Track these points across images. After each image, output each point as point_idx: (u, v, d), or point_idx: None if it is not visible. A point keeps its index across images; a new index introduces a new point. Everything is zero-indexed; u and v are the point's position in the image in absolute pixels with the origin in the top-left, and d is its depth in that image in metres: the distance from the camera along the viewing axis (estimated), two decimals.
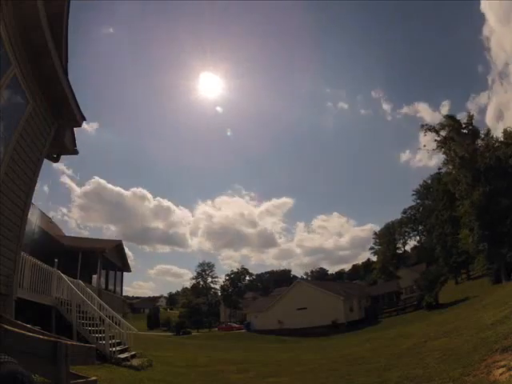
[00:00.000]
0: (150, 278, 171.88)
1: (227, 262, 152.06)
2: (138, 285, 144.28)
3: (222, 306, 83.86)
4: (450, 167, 41.47)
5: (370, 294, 57.56)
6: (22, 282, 9.13)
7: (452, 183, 40.17)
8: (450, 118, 39.45)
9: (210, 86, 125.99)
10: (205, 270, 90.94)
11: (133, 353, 12.16)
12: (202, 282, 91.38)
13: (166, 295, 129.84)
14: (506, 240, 32.98)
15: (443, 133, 39.41)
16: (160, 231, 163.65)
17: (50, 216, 22.92)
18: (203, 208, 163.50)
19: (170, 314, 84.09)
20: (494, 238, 33.74)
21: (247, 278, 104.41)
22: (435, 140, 40.03)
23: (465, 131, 38.50)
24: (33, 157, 7.07)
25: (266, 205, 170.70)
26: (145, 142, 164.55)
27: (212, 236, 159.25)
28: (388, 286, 61.78)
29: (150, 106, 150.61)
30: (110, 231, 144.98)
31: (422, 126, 40.82)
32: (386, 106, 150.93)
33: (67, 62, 7.34)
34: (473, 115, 40.32)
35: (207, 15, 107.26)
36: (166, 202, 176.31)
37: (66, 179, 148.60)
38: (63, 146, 8.36)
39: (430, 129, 40.11)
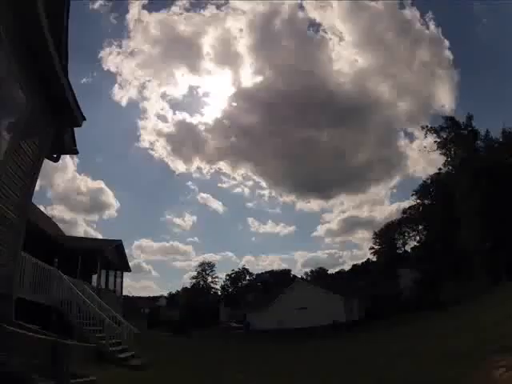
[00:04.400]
0: None
1: None
2: None
3: (221, 306, 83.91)
4: (450, 168, 41.56)
5: (370, 294, 57.53)
6: (22, 282, 9.13)
7: (452, 184, 40.22)
8: (450, 119, 39.69)
9: None
10: (205, 269, 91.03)
11: (133, 352, 12.15)
12: (202, 282, 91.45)
13: (166, 295, 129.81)
14: (506, 240, 32.97)
15: (443, 134, 39.55)
16: None
17: (50, 215, 22.93)
18: None
19: (170, 314, 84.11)
20: (494, 238, 33.74)
21: (247, 277, 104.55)
22: (435, 141, 40.22)
23: (464, 132, 38.63)
24: (33, 156, 7.08)
25: None
26: None
27: None
28: (388, 285, 61.74)
29: None
30: None
31: (423, 127, 41.05)
32: None
33: (67, 61, 7.35)
34: (472, 116, 40.49)
35: None
36: None
37: None
38: (63, 146, 8.38)
39: (431, 130, 40.28)
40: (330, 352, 18.39)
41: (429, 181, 63.83)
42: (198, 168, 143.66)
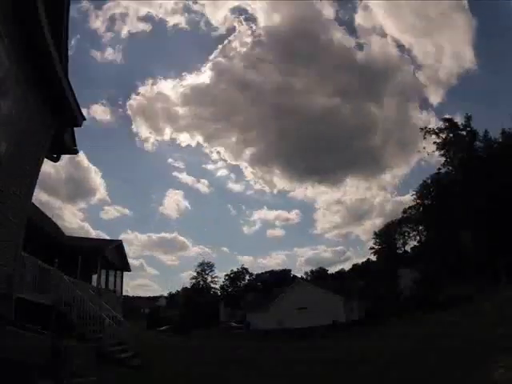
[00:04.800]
0: None
1: None
2: None
3: (221, 306, 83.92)
4: (450, 168, 41.66)
5: (370, 294, 57.57)
6: (22, 282, 9.13)
7: (452, 184, 40.30)
8: (448, 120, 39.89)
9: None
10: (205, 269, 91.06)
11: (133, 352, 12.16)
12: (201, 282, 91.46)
13: (166, 295, 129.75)
14: (505, 240, 32.99)
15: (443, 135, 39.72)
16: None
17: (50, 215, 22.91)
18: None
19: (169, 314, 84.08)
20: (494, 238, 33.75)
21: (247, 277, 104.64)
22: (434, 142, 40.35)
23: (463, 133, 38.79)
24: (33, 156, 7.08)
25: None
26: None
27: None
28: (388, 285, 61.76)
29: None
30: None
31: (422, 129, 41.22)
32: None
33: (67, 61, 7.35)
34: (470, 116, 40.71)
35: None
36: None
37: None
38: (63, 146, 8.38)
39: (430, 131, 40.41)
40: (330, 352, 18.38)
41: (429, 181, 64.11)
42: (173, 140, 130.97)
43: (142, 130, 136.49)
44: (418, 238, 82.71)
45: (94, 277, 19.63)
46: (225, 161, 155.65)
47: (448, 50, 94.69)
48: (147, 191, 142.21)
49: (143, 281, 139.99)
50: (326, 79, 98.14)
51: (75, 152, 9.03)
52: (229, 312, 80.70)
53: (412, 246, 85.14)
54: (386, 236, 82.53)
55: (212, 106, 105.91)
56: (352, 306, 48.09)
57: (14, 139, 6.15)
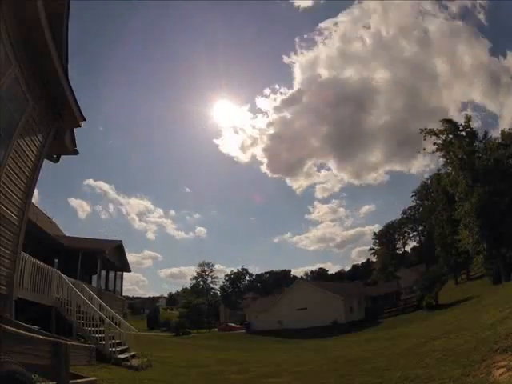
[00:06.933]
0: None
1: None
2: None
3: (221, 307, 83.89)
4: (450, 168, 41.74)
5: (370, 295, 57.60)
6: (22, 282, 9.13)
7: (451, 184, 40.35)
8: (448, 121, 39.92)
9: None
10: (205, 270, 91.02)
11: (133, 353, 12.16)
12: (201, 283, 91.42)
13: (165, 295, 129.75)
14: (505, 240, 33.03)
15: (442, 136, 39.77)
16: None
17: (50, 216, 22.93)
18: None
19: (169, 315, 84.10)
20: (494, 239, 33.80)
21: (247, 278, 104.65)
22: (434, 143, 40.39)
23: (463, 133, 38.86)
24: (33, 157, 7.08)
25: None
26: None
27: None
28: (388, 286, 61.83)
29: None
30: None
31: (422, 130, 41.21)
32: None
33: (67, 62, 7.35)
34: (470, 117, 40.85)
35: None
36: None
37: None
38: (63, 146, 8.37)
39: (430, 132, 40.45)
40: (330, 352, 18.38)
41: (428, 181, 64.28)
42: None
43: None
44: (418, 238, 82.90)
45: (94, 277, 19.65)
46: None
47: None
48: None
49: None
50: None
51: (75, 152, 9.02)
52: (229, 312, 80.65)
53: (412, 246, 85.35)
54: (386, 236, 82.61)
55: None
56: (352, 306, 48.08)
57: (13, 140, 6.16)
